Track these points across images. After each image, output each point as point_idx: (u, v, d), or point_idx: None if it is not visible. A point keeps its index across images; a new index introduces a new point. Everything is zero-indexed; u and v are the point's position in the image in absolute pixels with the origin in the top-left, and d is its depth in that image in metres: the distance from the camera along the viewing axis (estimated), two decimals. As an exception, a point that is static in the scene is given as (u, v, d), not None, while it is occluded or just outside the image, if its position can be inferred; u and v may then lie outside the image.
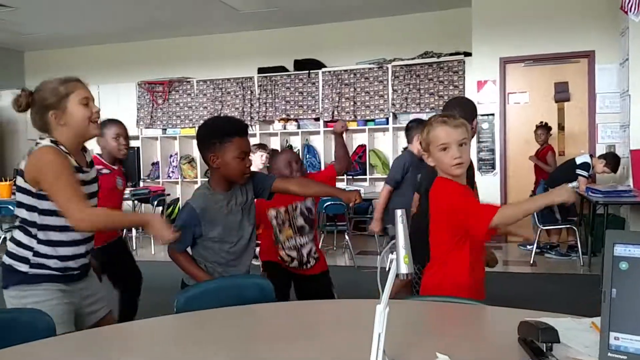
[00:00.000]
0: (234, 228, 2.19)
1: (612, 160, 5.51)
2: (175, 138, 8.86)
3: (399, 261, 1.01)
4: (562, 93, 6.61)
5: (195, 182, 8.69)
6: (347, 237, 6.15)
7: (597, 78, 6.42)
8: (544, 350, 1.18)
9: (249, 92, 8.33)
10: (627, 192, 5.01)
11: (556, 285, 4.88)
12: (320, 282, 2.96)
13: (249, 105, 8.30)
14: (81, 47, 9.45)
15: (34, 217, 1.86)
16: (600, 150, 6.27)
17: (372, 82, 7.73)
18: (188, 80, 8.68)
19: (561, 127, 6.68)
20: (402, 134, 6.89)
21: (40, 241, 1.86)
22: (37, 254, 1.86)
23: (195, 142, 8.72)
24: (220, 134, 2.13)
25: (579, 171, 5.44)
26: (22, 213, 1.88)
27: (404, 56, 7.67)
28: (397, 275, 1.03)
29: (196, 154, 8.80)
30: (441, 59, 7.39)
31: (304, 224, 2.87)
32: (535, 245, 5.75)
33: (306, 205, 2.90)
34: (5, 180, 7.24)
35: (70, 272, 1.92)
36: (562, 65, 6.66)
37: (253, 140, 8.31)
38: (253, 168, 2.36)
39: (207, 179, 2.30)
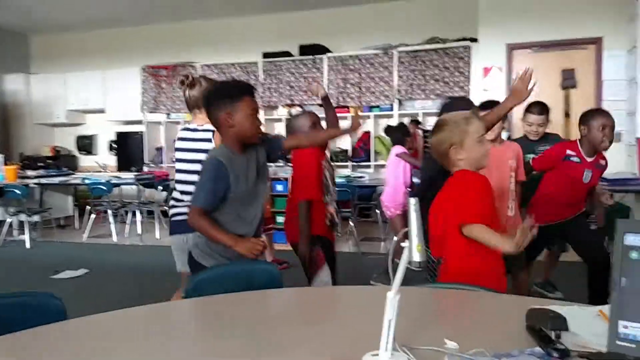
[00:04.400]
0: (253, 186, 2.22)
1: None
2: (179, 123, 8.85)
3: (412, 249, 1.02)
4: (568, 80, 6.57)
5: (200, 167, 8.68)
6: (351, 223, 6.16)
7: (605, 65, 6.37)
8: (553, 338, 1.19)
9: (253, 77, 8.30)
10: (633, 180, 4.99)
11: (561, 273, 4.88)
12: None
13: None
14: (86, 31, 9.42)
15: None
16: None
17: (377, 67, 7.69)
18: (192, 64, 8.65)
19: (567, 115, 6.64)
20: (407, 120, 6.86)
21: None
22: None
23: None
24: (232, 93, 2.16)
25: None
26: None
27: (410, 42, 7.61)
28: (410, 263, 1.04)
29: (200, 139, 8.79)
30: (447, 45, 7.34)
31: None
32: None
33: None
34: (12, 164, 7.28)
35: None
36: (569, 51, 6.60)
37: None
38: None
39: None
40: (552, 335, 1.20)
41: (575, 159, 3.20)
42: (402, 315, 1.13)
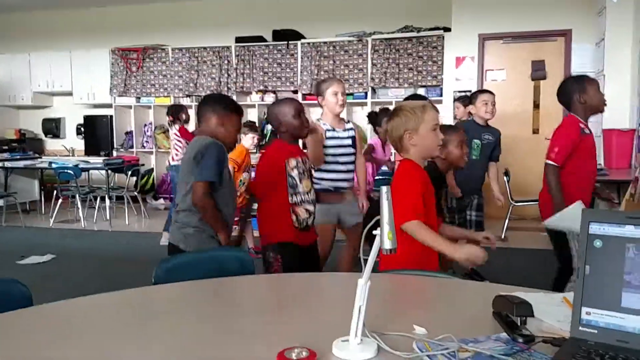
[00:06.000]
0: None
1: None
2: (149, 107, 8.70)
3: (383, 237, 1.02)
4: (538, 71, 6.68)
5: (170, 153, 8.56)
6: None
7: (573, 57, 6.50)
8: (518, 324, 1.22)
9: (226, 61, 8.20)
10: (598, 170, 5.10)
11: (527, 260, 5.00)
12: (314, 253, 2.94)
13: (226, 75, 8.18)
14: (53, 10, 9.13)
15: None
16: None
17: (351, 55, 7.68)
18: (163, 47, 8.49)
19: (536, 105, 6.76)
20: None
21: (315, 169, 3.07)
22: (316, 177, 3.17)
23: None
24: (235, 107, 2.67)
25: None
26: None
27: (384, 30, 7.61)
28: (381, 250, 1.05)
29: (171, 123, 8.66)
30: (421, 34, 7.36)
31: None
32: (507, 220, 5.88)
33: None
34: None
35: None
36: (539, 43, 6.71)
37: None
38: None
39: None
40: (518, 321, 1.23)
41: (587, 131, 2.99)
42: (373, 301, 1.14)
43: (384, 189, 1.04)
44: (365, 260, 1.04)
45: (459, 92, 6.90)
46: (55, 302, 1.61)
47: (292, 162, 2.72)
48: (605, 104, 3.06)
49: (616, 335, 1.10)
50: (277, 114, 2.78)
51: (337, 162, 3.39)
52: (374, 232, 1.03)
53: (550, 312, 1.33)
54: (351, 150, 3.47)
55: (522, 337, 1.16)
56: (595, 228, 1.15)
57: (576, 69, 6.47)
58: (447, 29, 7.13)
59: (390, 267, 1.94)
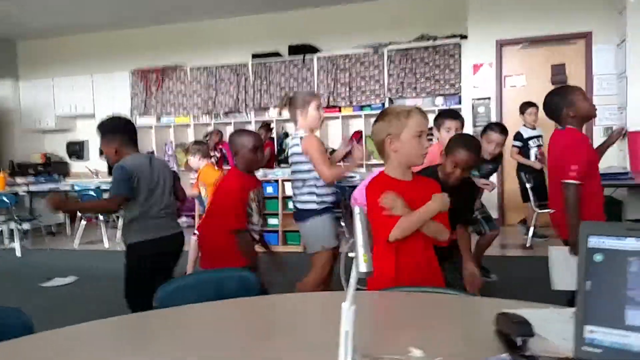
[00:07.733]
0: None
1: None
2: (169, 126, 8.80)
3: (358, 260, 0.98)
4: (558, 75, 6.54)
5: (191, 170, 8.64)
6: (342, 224, 6.12)
7: (595, 59, 6.35)
8: (520, 344, 1.16)
9: (243, 78, 8.26)
10: (624, 174, 4.95)
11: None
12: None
13: (244, 92, 8.24)
14: (74, 35, 9.36)
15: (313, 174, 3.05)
16: (597, 132, 6.22)
17: (367, 67, 7.66)
18: (181, 67, 8.61)
19: (558, 110, 6.62)
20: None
21: (318, 186, 3.09)
22: (319, 195, 3.09)
23: (190, 130, 8.69)
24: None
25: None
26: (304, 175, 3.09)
27: (400, 40, 7.58)
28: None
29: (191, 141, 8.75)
30: (437, 42, 7.30)
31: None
32: (532, 228, 5.74)
33: (262, 193, 3.19)
34: (0, 172, 7.22)
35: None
36: (559, 47, 6.59)
37: (249, 127, 8.28)
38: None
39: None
40: (519, 340, 1.16)
41: (590, 141, 2.83)
42: (366, 322, 1.10)
43: (357, 209, 1.00)
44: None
45: (478, 99, 6.80)
46: (57, 330, 1.60)
47: (251, 195, 2.99)
48: (596, 109, 2.91)
49: (622, 355, 1.03)
50: (236, 143, 3.00)
51: None
52: (350, 254, 0.99)
53: (557, 330, 1.26)
54: None
55: (524, 358, 1.10)
56: (594, 241, 1.08)
57: (598, 71, 6.33)
58: (464, 37, 7.06)
59: (378, 287, 1.86)
